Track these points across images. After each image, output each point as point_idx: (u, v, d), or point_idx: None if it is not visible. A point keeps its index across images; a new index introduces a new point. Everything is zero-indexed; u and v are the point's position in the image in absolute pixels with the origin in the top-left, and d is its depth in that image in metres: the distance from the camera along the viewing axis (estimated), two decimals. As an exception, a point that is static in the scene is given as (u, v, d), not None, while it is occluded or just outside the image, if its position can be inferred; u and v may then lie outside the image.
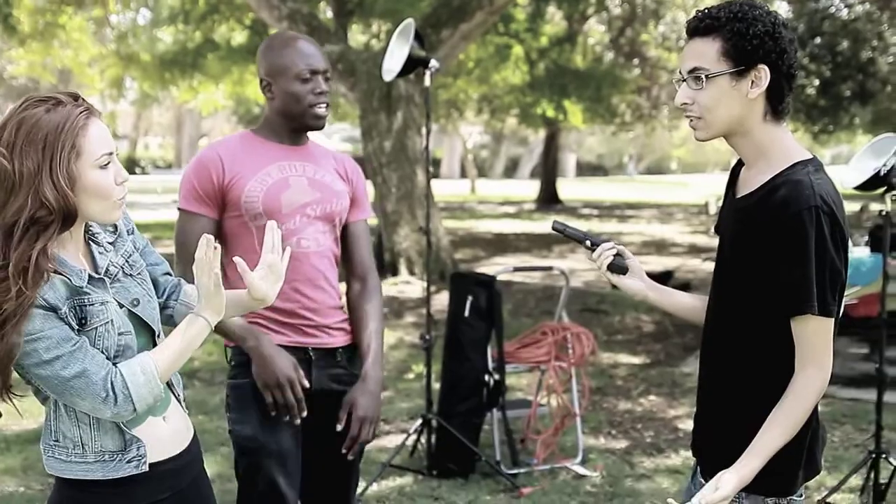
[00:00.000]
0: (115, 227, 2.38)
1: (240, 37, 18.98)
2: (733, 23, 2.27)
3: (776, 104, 2.33)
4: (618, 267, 2.64)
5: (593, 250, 2.67)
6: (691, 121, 2.39)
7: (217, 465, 5.58)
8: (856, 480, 5.00)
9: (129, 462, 2.30)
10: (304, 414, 3.06)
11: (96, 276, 2.25)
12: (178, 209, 3.18)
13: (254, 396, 3.08)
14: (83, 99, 2.21)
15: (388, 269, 12.29)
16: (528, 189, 36.69)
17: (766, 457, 2.25)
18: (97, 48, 21.64)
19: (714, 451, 2.44)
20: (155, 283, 2.49)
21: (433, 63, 5.60)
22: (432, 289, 5.90)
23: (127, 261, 2.36)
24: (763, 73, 2.29)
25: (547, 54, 20.38)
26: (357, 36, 19.76)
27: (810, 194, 2.22)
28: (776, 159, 2.34)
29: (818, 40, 15.44)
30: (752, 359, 2.35)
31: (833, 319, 2.27)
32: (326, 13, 16.46)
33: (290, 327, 3.20)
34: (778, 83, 2.31)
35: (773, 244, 2.26)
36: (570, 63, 20.89)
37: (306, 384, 3.05)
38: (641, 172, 61.14)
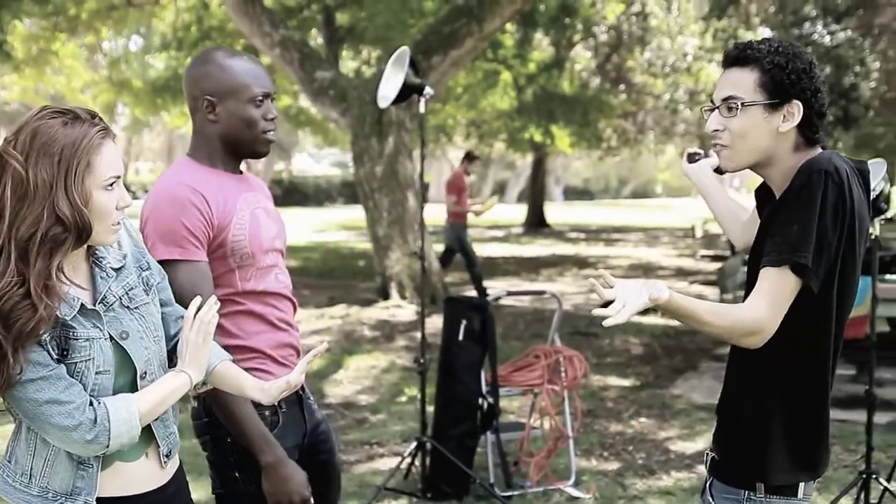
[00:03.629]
0: (124, 256, 2.35)
1: (230, 63, 19.06)
2: (773, 56, 2.36)
3: (809, 136, 2.41)
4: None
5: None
6: (718, 151, 2.47)
7: (209, 488, 5.59)
8: (846, 501, 5.07)
9: None
10: None
11: (90, 307, 2.21)
12: (168, 260, 2.69)
13: None
14: (100, 118, 2.20)
15: (379, 292, 12.35)
16: (516, 213, 36.81)
17: (691, 313, 2.20)
18: (89, 74, 21.76)
19: (728, 444, 2.52)
20: (166, 325, 2.45)
21: (428, 90, 5.68)
22: (422, 311, 5.95)
23: (127, 293, 2.30)
24: (796, 109, 2.36)
25: (535, 80, 20.53)
26: (347, 62, 19.89)
27: (826, 162, 2.28)
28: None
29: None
30: (777, 345, 2.34)
31: (799, 282, 2.27)
32: (317, 40, 16.59)
33: (280, 366, 2.98)
34: (809, 119, 2.38)
35: (785, 206, 2.32)
36: (557, 88, 21.05)
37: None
38: (627, 196, 61.28)
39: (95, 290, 2.26)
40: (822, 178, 2.25)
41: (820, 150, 2.43)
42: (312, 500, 2.85)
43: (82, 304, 2.19)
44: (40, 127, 2.11)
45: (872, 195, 4.60)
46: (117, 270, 2.31)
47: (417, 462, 5.72)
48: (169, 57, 19.92)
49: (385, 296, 12.23)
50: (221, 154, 2.95)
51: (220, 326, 2.67)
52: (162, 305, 2.45)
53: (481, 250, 22.08)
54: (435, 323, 8.74)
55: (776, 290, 2.28)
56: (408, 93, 5.69)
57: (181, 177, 2.85)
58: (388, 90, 5.68)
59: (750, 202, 2.73)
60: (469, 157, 13.61)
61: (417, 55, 11.71)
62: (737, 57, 2.42)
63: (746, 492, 2.42)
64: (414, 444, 5.69)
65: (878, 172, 4.70)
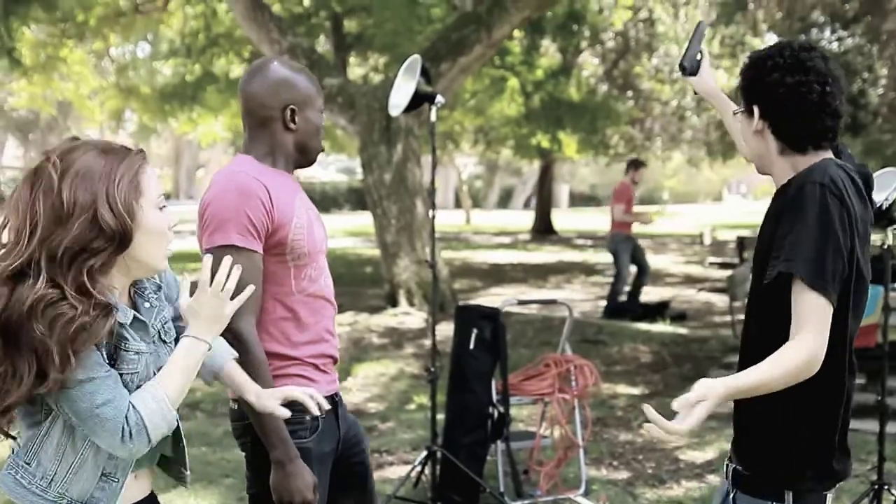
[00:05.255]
0: (159, 287, 2.39)
1: (238, 70, 19.10)
2: (745, 66, 2.52)
3: (790, 140, 2.47)
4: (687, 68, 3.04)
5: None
6: None
7: (221, 497, 5.60)
8: (857, 511, 5.05)
9: None
10: None
11: (140, 318, 2.25)
12: (227, 245, 2.74)
13: (311, 460, 2.90)
14: (131, 147, 2.25)
15: (387, 300, 12.34)
16: (523, 219, 36.77)
17: (745, 388, 2.28)
18: (97, 80, 21.77)
19: (744, 441, 2.55)
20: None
21: (439, 98, 5.68)
22: (432, 320, 5.95)
23: (163, 326, 2.35)
24: (756, 114, 2.48)
25: (542, 86, 20.49)
26: (355, 69, 19.91)
27: (821, 174, 2.35)
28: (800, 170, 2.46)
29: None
30: (777, 342, 2.37)
31: (828, 302, 2.29)
32: (325, 46, 16.62)
33: (321, 373, 3.05)
34: (775, 122, 2.46)
35: (782, 219, 2.37)
36: (564, 95, 21.02)
37: None
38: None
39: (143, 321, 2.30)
40: (819, 191, 2.30)
41: (817, 154, 2.47)
42: None
43: (135, 316, 2.23)
44: (77, 158, 2.15)
45: (885, 204, 4.62)
46: (156, 301, 2.36)
47: (427, 471, 5.71)
48: (177, 63, 19.97)
49: (393, 303, 12.21)
50: (288, 160, 3.03)
51: (267, 331, 2.82)
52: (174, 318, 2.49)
53: (489, 257, 22.08)
54: (444, 330, 8.73)
55: (805, 317, 2.30)
56: (419, 101, 5.69)
57: (248, 169, 2.91)
58: (399, 98, 5.68)
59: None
60: (635, 165, 13.14)
61: (426, 62, 11.70)
62: None
63: (773, 503, 2.44)
64: (424, 453, 5.68)
65: (892, 182, 4.68)
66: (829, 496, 2.46)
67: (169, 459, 2.49)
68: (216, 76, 18.80)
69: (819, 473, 2.45)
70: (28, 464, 2.26)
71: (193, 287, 2.32)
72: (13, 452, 2.28)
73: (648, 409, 2.24)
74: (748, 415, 2.53)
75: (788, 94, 2.40)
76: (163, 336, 2.33)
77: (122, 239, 2.14)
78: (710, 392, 2.21)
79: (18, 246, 2.11)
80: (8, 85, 23.41)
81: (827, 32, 16.39)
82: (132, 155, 2.20)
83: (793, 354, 2.28)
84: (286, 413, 2.59)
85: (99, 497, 2.26)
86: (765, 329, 2.44)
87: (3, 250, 2.14)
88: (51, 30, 17.18)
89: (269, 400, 2.58)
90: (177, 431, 2.42)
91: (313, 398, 2.63)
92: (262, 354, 2.79)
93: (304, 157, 3.06)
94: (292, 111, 2.97)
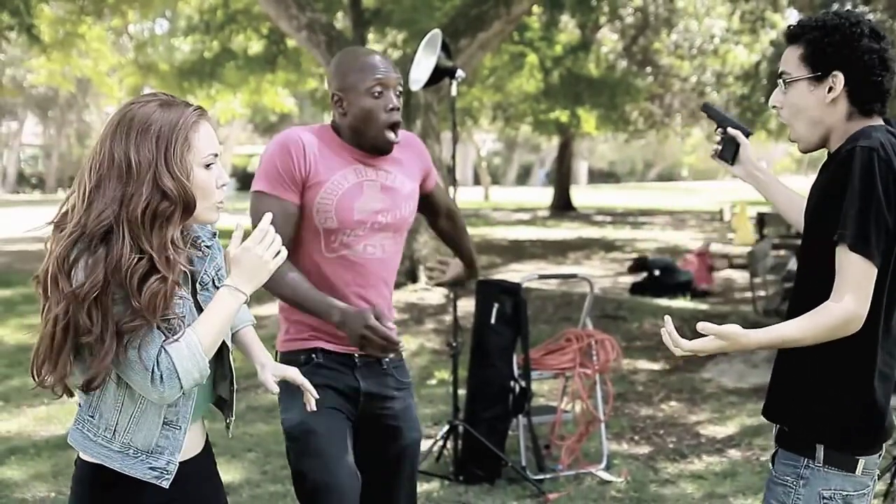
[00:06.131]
0: (214, 234, 2.44)
1: (257, 46, 19.07)
2: (813, 31, 2.48)
3: (862, 105, 2.49)
4: (724, 157, 2.96)
5: (721, 135, 2.98)
6: (790, 132, 2.59)
7: (245, 471, 5.64)
8: (878, 486, 5.04)
9: (151, 468, 2.27)
10: (403, 346, 3.16)
11: (188, 269, 2.28)
12: (254, 192, 3.09)
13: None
14: (190, 102, 2.29)
15: (407, 276, 12.34)
16: (541, 196, 36.70)
17: (774, 339, 2.38)
18: (116, 57, 21.79)
19: (780, 399, 2.58)
20: None
21: (459, 73, 5.68)
22: (453, 295, 5.96)
23: (217, 273, 2.38)
24: (838, 80, 2.46)
25: (561, 62, 20.40)
26: (374, 45, 19.85)
27: (871, 139, 2.36)
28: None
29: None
30: (818, 299, 2.41)
31: (871, 264, 2.33)
32: (344, 22, 16.56)
33: (336, 337, 3.15)
34: (857, 88, 2.47)
35: (829, 182, 2.40)
36: (583, 71, 20.92)
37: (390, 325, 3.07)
38: (653, 179, 61.00)
39: (193, 271, 2.35)
40: (866, 155, 2.32)
41: (879, 120, 2.50)
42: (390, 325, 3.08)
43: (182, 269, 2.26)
44: (136, 113, 2.20)
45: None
46: (209, 248, 2.40)
47: (449, 445, 5.73)
48: (195, 40, 19.95)
49: (413, 279, 12.22)
50: (354, 142, 3.18)
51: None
52: None
53: (508, 233, 22.06)
54: (464, 306, 8.74)
55: (846, 277, 2.35)
56: (440, 76, 5.68)
57: (303, 130, 3.20)
58: (419, 73, 5.67)
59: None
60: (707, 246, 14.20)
61: (445, 38, 11.62)
62: (788, 35, 2.56)
63: (805, 459, 2.48)
64: (446, 428, 5.70)
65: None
66: (862, 461, 2.47)
67: (225, 402, 2.51)
68: (235, 53, 18.77)
69: (848, 435, 2.47)
70: (91, 417, 2.28)
71: (246, 237, 2.34)
72: (80, 407, 2.32)
73: (667, 319, 2.47)
74: (782, 371, 2.59)
75: (877, 60, 2.46)
76: (216, 283, 2.35)
77: (185, 204, 2.19)
78: (731, 337, 2.35)
79: (94, 204, 2.15)
80: (27, 62, 23.45)
81: (848, 6, 16.24)
82: (189, 111, 2.23)
83: (831, 312, 2.34)
84: (276, 389, 2.68)
85: (164, 446, 2.28)
86: (809, 285, 2.50)
87: (77, 203, 2.17)
88: (69, 6, 17.16)
89: (268, 374, 2.67)
90: (231, 375, 2.47)
91: (308, 390, 2.76)
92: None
93: (362, 140, 3.16)
94: (338, 98, 3.16)
